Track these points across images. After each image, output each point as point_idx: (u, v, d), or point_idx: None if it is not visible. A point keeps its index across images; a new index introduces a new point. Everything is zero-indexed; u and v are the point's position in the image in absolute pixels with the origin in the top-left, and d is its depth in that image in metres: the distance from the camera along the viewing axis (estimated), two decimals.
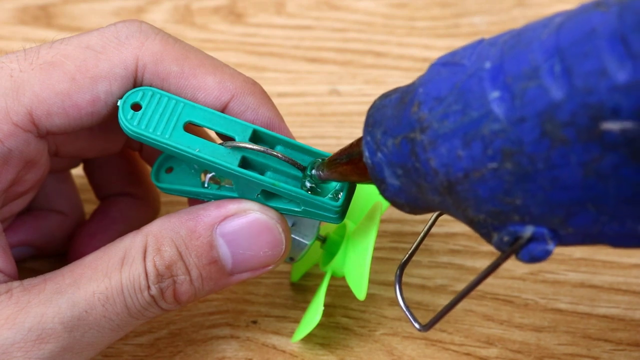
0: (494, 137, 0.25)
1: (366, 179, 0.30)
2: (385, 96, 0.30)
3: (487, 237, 0.28)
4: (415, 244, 0.34)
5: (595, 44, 0.23)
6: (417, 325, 0.31)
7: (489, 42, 0.27)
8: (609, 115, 0.23)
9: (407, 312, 0.31)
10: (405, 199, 0.29)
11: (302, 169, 0.33)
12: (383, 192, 0.30)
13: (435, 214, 0.34)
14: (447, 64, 0.28)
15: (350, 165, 0.31)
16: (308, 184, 0.33)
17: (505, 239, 0.27)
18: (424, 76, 0.28)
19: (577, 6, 0.25)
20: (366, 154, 0.29)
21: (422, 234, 0.34)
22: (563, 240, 0.27)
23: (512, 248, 0.27)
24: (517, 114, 0.25)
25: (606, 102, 0.23)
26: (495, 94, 0.25)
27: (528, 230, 0.26)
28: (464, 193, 0.27)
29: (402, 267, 0.33)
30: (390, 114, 0.29)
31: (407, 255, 0.33)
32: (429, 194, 0.28)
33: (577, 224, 0.26)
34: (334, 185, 0.33)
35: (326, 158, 0.33)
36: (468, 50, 0.27)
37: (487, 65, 0.26)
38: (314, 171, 0.32)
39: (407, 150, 0.28)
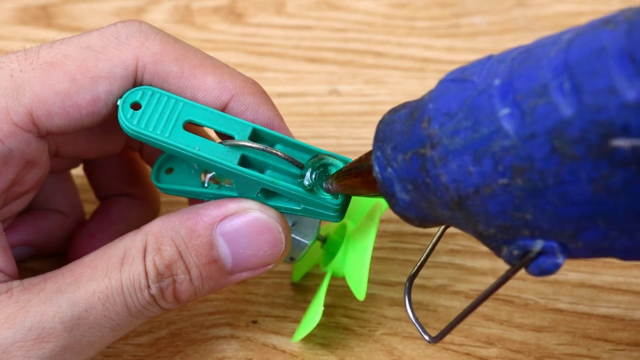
0: (505, 153, 0.25)
1: (375, 192, 0.31)
2: (394, 111, 0.30)
3: (497, 251, 0.28)
4: (423, 257, 0.34)
5: (604, 62, 0.23)
6: (426, 338, 0.31)
7: (497, 59, 0.27)
8: (619, 133, 0.23)
9: (417, 325, 0.31)
10: (415, 214, 0.29)
11: (302, 167, 0.33)
12: (393, 207, 0.30)
13: (442, 227, 0.34)
14: (456, 80, 0.28)
15: (359, 179, 0.31)
16: (306, 182, 0.33)
17: (515, 252, 0.27)
18: (433, 92, 0.28)
19: (584, 24, 0.25)
20: (376, 168, 0.30)
21: (429, 247, 0.34)
22: (572, 254, 0.27)
23: (521, 262, 0.27)
24: (527, 131, 0.25)
25: (616, 120, 0.23)
26: (505, 111, 0.25)
27: (538, 245, 0.27)
28: (475, 208, 0.27)
29: (411, 279, 0.33)
30: (399, 129, 0.29)
31: (415, 268, 0.34)
32: (439, 209, 0.28)
33: (587, 239, 0.26)
34: None
35: (320, 154, 0.33)
36: (477, 66, 0.28)
37: (497, 82, 0.26)
38: (323, 184, 0.33)
39: (417, 166, 0.28)
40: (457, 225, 0.29)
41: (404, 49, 0.54)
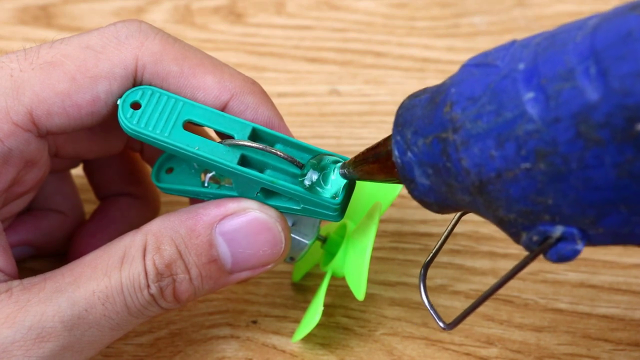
0: (528, 137, 0.25)
1: (393, 178, 0.31)
2: (414, 96, 0.30)
3: (516, 237, 0.28)
4: (439, 243, 0.34)
5: (632, 47, 0.23)
6: (441, 324, 0.31)
7: (521, 44, 0.27)
8: None
9: (432, 311, 0.31)
10: (435, 199, 0.29)
11: (301, 166, 0.33)
12: (412, 192, 0.30)
13: (459, 213, 0.34)
14: (479, 64, 0.28)
15: (377, 164, 0.31)
16: (306, 182, 0.33)
17: (535, 238, 0.27)
18: (455, 76, 0.28)
19: (610, 10, 0.25)
20: (396, 153, 0.29)
21: (445, 234, 0.34)
22: (592, 241, 0.27)
23: (540, 247, 0.27)
24: (551, 115, 0.25)
25: None
26: (529, 95, 0.25)
27: (558, 230, 0.27)
28: (496, 193, 0.27)
29: (426, 266, 0.33)
30: (420, 113, 0.29)
31: (430, 255, 0.33)
32: (459, 194, 0.28)
33: (608, 225, 0.26)
34: (332, 182, 0.33)
35: (320, 154, 0.33)
36: (500, 51, 0.28)
37: (521, 66, 0.26)
38: (340, 170, 0.33)
39: (438, 150, 0.28)
40: (476, 211, 0.29)
41: (404, 49, 0.54)
